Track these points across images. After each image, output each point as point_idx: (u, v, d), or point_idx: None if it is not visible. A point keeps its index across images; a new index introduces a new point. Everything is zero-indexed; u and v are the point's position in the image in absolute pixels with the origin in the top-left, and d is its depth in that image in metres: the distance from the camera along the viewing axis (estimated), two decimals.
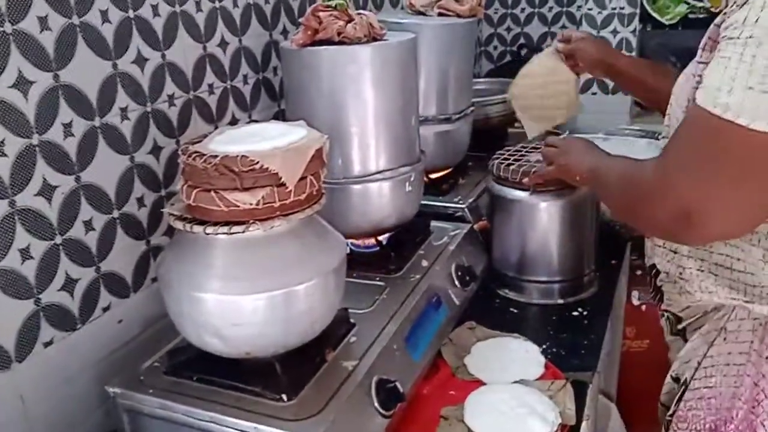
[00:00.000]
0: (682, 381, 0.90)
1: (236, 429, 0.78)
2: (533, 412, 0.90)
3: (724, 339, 0.85)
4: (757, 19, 0.66)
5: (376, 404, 0.84)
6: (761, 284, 0.80)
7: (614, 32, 2.20)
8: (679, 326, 0.94)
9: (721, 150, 0.68)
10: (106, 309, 0.94)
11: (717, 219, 0.71)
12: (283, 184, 0.76)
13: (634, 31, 2.18)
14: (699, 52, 0.78)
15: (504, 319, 1.18)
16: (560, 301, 1.24)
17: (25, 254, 0.81)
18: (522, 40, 2.52)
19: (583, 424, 0.95)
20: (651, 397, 1.01)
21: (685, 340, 0.93)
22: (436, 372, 1.03)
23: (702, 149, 0.70)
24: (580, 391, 0.99)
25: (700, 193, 0.70)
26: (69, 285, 0.88)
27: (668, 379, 0.96)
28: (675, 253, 0.89)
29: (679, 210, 0.72)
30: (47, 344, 0.85)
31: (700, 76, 0.72)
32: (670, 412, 0.91)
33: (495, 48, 2.57)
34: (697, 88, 0.71)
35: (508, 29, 2.52)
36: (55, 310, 0.86)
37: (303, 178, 0.78)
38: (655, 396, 0.99)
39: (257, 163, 0.73)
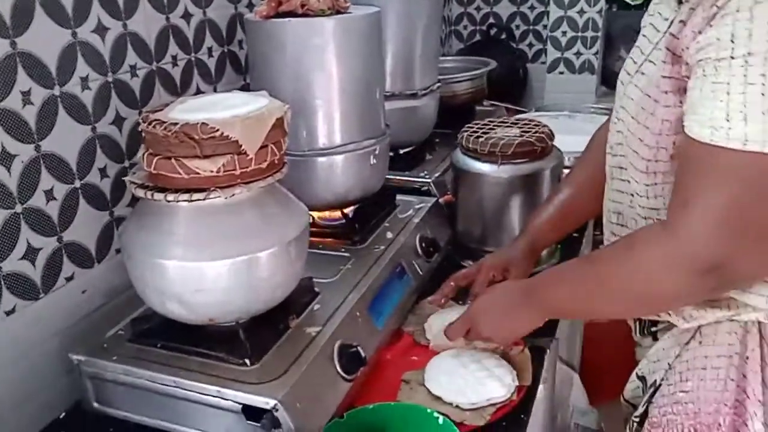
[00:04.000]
0: (650, 383, 0.88)
1: (199, 393, 0.80)
2: (491, 375, 0.93)
3: (700, 342, 0.81)
4: (749, 33, 0.61)
5: (338, 368, 0.86)
6: (746, 302, 0.75)
7: (581, 12, 2.23)
8: (653, 329, 0.91)
9: (753, 186, 0.62)
10: (69, 279, 0.94)
11: (757, 262, 0.66)
12: (243, 152, 0.76)
13: (600, 12, 2.21)
14: (659, 64, 0.74)
15: (467, 290, 1.21)
16: None
17: None
18: (491, 20, 2.53)
19: (540, 386, 0.99)
20: (614, 367, 1.03)
21: (655, 339, 0.90)
22: (399, 339, 1.05)
23: (728, 191, 0.63)
24: (539, 357, 1.02)
25: (736, 240, 0.64)
26: (30, 254, 0.88)
27: (633, 377, 0.94)
28: None
29: (710, 266, 0.65)
30: (9, 313, 0.85)
31: (681, 102, 0.68)
32: (638, 413, 0.88)
33: (465, 27, 2.58)
34: (669, 115, 0.67)
35: (478, 8, 2.54)
36: (16, 278, 0.86)
37: (264, 146, 0.79)
38: (618, 367, 0.99)
39: (217, 130, 0.74)
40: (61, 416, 0.90)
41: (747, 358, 0.78)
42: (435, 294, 1.09)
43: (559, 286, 0.86)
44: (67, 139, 0.91)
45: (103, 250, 1.00)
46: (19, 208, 0.85)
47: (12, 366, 0.86)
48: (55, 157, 0.90)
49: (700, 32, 0.66)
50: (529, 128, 1.28)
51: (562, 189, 1.09)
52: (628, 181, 0.83)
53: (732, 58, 0.62)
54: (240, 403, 0.78)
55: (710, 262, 0.66)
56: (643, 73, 0.78)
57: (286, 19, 1.03)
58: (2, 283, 0.84)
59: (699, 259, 0.66)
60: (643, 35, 0.83)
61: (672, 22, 0.73)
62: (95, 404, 0.87)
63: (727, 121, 0.62)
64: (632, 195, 0.83)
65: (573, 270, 0.87)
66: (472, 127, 1.31)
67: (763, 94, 0.60)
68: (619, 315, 0.91)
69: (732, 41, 0.62)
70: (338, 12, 1.06)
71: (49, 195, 0.90)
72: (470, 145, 1.25)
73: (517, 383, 0.93)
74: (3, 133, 0.82)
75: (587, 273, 0.82)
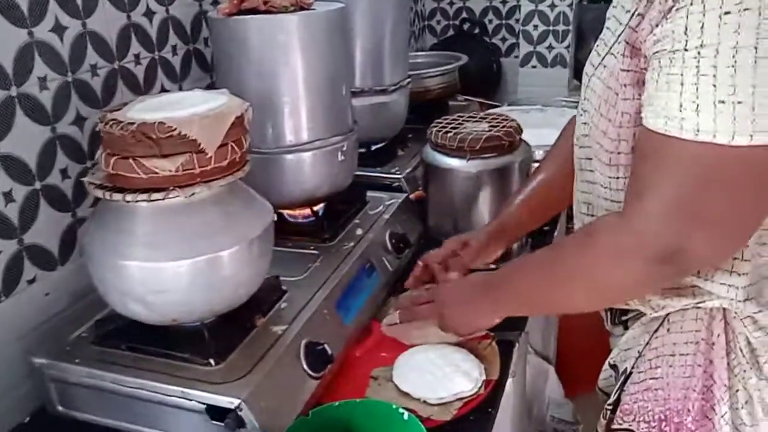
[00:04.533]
0: (621, 370, 0.89)
1: (164, 394, 0.79)
2: (458, 370, 0.93)
3: (668, 330, 0.82)
4: (702, 25, 0.61)
5: (304, 366, 0.86)
6: (709, 290, 0.76)
7: (552, 6, 2.24)
8: (623, 317, 0.92)
9: (704, 176, 0.63)
10: (31, 281, 0.93)
11: (712, 247, 0.67)
12: (202, 151, 0.76)
13: (570, 5, 2.22)
14: (619, 57, 0.74)
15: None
16: (492, 266, 1.28)
17: None
18: (464, 15, 2.54)
19: (509, 380, 1.00)
20: (589, 359, 1.03)
21: (626, 328, 0.90)
22: (369, 335, 1.05)
23: (681, 181, 0.65)
24: (508, 350, 1.02)
25: (689, 228, 0.65)
26: None
27: (606, 365, 0.95)
28: None
29: (664, 254, 0.66)
30: None
31: (639, 94, 0.68)
32: (610, 401, 0.89)
33: (438, 22, 2.58)
34: (628, 107, 0.67)
35: (451, 3, 2.54)
36: None
37: (224, 145, 0.78)
38: (594, 359, 0.99)
39: (175, 129, 0.74)
40: (26, 420, 0.89)
41: (713, 344, 0.79)
42: (408, 279, 1.10)
43: (520, 276, 0.87)
44: (25, 139, 0.90)
45: (66, 252, 0.98)
46: None
47: None
48: (13, 159, 0.89)
49: (657, 25, 0.67)
50: (497, 123, 1.28)
51: (533, 179, 1.10)
52: (594, 173, 0.84)
53: (685, 50, 0.62)
54: (204, 404, 0.77)
55: (665, 251, 0.67)
56: (605, 66, 0.79)
57: (249, 16, 1.02)
58: None
59: (654, 247, 0.67)
60: (607, 27, 0.83)
61: (632, 15, 0.73)
62: (59, 407, 0.87)
63: (680, 111, 0.62)
64: (598, 186, 0.84)
65: (533, 261, 0.88)
66: (441, 122, 1.32)
67: (714, 86, 0.61)
68: (580, 307, 0.91)
69: (685, 33, 0.62)
70: (302, 8, 1.05)
71: (8, 197, 0.88)
72: (439, 141, 1.25)
73: (484, 377, 0.93)
74: None
75: (546, 263, 0.82)
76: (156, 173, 0.75)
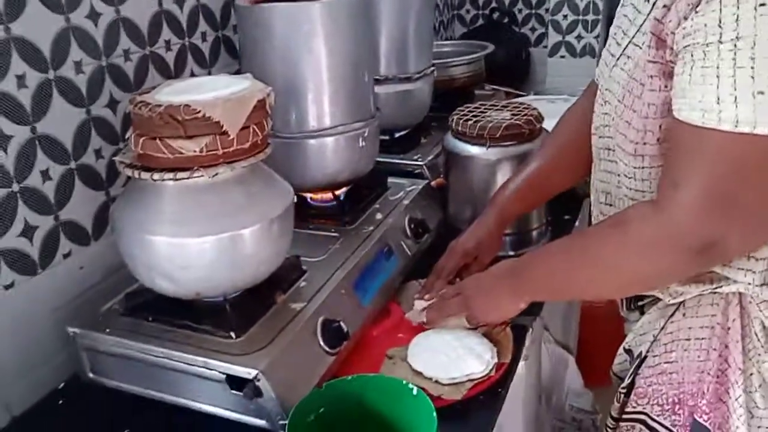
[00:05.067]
0: (636, 354, 0.90)
1: (187, 363, 0.83)
2: (471, 352, 0.95)
3: (684, 315, 0.84)
4: (736, 18, 0.62)
5: (321, 342, 0.89)
6: (727, 275, 0.77)
7: None
8: (640, 303, 0.93)
9: (742, 167, 0.64)
10: (67, 255, 0.98)
11: (745, 239, 0.68)
12: (225, 133, 0.79)
13: None
14: (644, 48, 0.74)
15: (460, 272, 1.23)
16: (511, 253, 1.29)
17: None
18: (494, 4, 2.54)
19: (521, 363, 1.01)
20: (609, 350, 1.03)
21: (642, 314, 0.92)
22: (387, 316, 1.08)
23: (719, 172, 0.65)
24: (521, 335, 1.04)
25: (726, 219, 0.66)
26: (28, 231, 0.92)
27: (621, 350, 0.96)
28: None
29: (700, 245, 0.68)
30: (8, 287, 0.90)
31: (665, 86, 0.69)
32: (624, 384, 0.91)
33: (467, 12, 2.58)
34: (654, 99, 0.68)
35: None
36: (14, 254, 0.90)
37: (246, 127, 0.82)
38: (614, 351, 1.00)
39: (199, 111, 0.77)
40: (60, 386, 0.95)
41: (728, 328, 0.80)
42: (427, 291, 1.07)
43: (546, 264, 0.87)
44: (61, 121, 0.95)
45: (99, 228, 1.03)
46: (16, 187, 0.89)
47: (12, 338, 0.90)
48: (50, 139, 0.94)
49: (684, 18, 0.67)
50: (518, 111, 1.29)
51: (530, 163, 1.11)
52: (616, 162, 0.85)
53: (720, 42, 0.63)
54: (224, 374, 0.81)
55: (701, 242, 0.68)
56: (628, 57, 0.79)
57: (274, 4, 1.05)
58: (1, 258, 0.88)
59: (690, 238, 0.68)
60: (624, 15, 0.83)
61: (654, 5, 0.74)
62: (90, 375, 0.91)
63: (718, 104, 0.63)
64: (619, 176, 0.85)
65: (561, 249, 0.88)
66: (462, 110, 1.33)
67: (752, 77, 0.61)
68: (608, 294, 0.93)
69: (720, 26, 0.63)
70: None
71: (45, 175, 0.93)
72: (460, 128, 1.27)
73: (496, 360, 0.95)
74: None
75: (576, 251, 0.83)
76: (181, 153, 0.79)
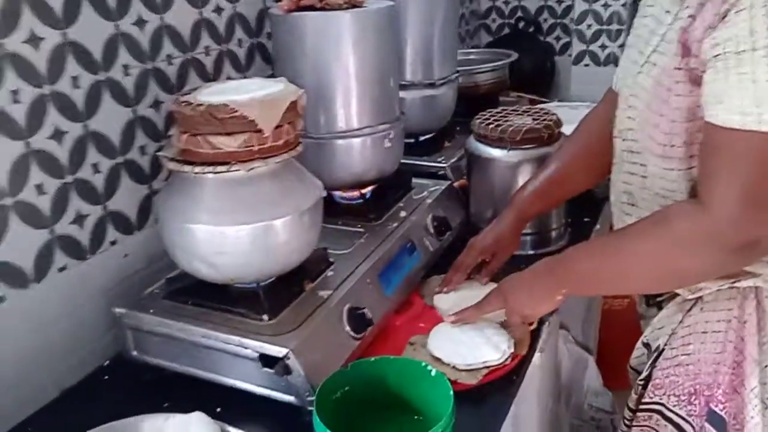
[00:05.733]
0: (654, 348, 0.92)
1: (223, 342, 0.90)
2: (489, 342, 0.99)
3: (701, 309, 0.86)
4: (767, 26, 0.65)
5: (346, 327, 0.95)
6: (747, 269, 0.80)
7: (606, 5, 2.25)
8: (659, 298, 0.96)
9: None
10: (113, 243, 1.06)
11: None
12: (260, 131, 0.86)
13: (624, 4, 2.23)
14: (671, 56, 0.78)
15: (478, 268, 1.28)
16: (531, 252, 1.34)
17: (40, 190, 0.93)
18: (519, 13, 2.58)
19: (536, 355, 1.06)
20: (630, 354, 1.05)
21: (660, 310, 0.94)
22: (410, 307, 1.13)
23: (762, 172, 0.68)
24: (538, 328, 1.08)
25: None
26: (79, 219, 1.00)
27: (639, 344, 0.99)
28: None
29: (742, 243, 0.70)
30: (61, 269, 0.98)
31: (691, 91, 0.73)
32: (642, 377, 0.93)
33: (493, 21, 2.63)
34: (681, 103, 0.72)
35: (506, 2, 2.59)
36: (67, 240, 0.98)
37: (279, 126, 0.88)
38: (632, 352, 1.03)
39: (237, 111, 0.84)
40: (105, 363, 1.03)
41: (745, 322, 0.83)
42: (446, 284, 1.13)
43: (586, 261, 0.89)
44: (110, 119, 1.03)
45: (143, 219, 1.11)
46: (69, 179, 0.98)
47: (63, 318, 0.98)
48: (100, 135, 1.02)
49: (711, 27, 0.71)
50: (539, 116, 1.34)
51: (549, 164, 1.15)
52: (643, 165, 0.87)
53: (754, 50, 0.66)
54: (257, 352, 0.87)
55: (743, 239, 0.71)
56: (654, 64, 0.82)
57: (306, 13, 1.12)
58: (56, 243, 0.96)
59: (733, 236, 0.71)
60: (645, 25, 0.87)
61: (677, 15, 0.78)
62: (134, 353, 0.98)
63: (757, 107, 0.66)
64: (645, 177, 0.88)
65: (601, 246, 0.92)
66: (485, 115, 1.39)
67: None
68: (646, 290, 0.95)
69: (751, 35, 0.66)
70: (354, 6, 1.15)
71: (95, 168, 1.02)
72: (482, 132, 1.32)
73: (512, 350, 0.99)
74: (55, 113, 0.94)
75: (618, 248, 0.84)
76: (220, 149, 0.86)
